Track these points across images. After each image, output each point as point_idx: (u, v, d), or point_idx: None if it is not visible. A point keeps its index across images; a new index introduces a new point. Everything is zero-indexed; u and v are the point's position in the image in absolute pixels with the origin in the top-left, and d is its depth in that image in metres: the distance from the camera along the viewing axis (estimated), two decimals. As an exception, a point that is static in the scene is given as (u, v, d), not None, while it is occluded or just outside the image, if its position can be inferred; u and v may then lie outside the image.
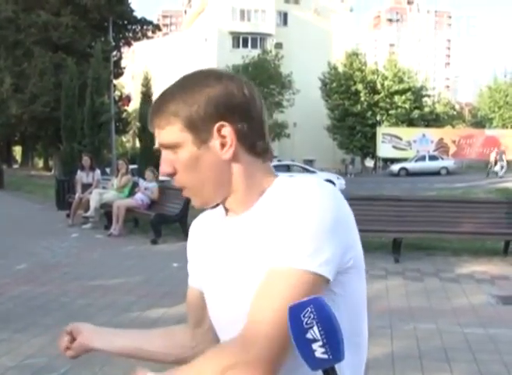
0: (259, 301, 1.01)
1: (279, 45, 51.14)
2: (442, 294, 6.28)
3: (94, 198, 11.03)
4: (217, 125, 1.12)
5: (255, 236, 1.11)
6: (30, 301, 5.73)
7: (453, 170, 37.57)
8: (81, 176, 12.05)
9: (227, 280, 1.16)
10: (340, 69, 48.20)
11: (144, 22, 37.29)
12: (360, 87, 46.77)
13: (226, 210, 1.20)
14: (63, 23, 31.45)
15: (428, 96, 50.02)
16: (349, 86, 46.93)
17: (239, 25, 54.65)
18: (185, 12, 77.47)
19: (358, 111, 46.37)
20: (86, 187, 11.81)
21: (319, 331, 0.77)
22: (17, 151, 56.26)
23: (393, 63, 48.82)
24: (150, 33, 39.56)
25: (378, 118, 46.53)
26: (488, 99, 54.50)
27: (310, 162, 44.04)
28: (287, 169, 26.53)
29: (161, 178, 15.83)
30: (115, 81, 34.97)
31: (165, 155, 1.17)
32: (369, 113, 46.62)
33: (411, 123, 46.57)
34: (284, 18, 56.40)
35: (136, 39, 38.47)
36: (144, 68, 29.28)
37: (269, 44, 51.21)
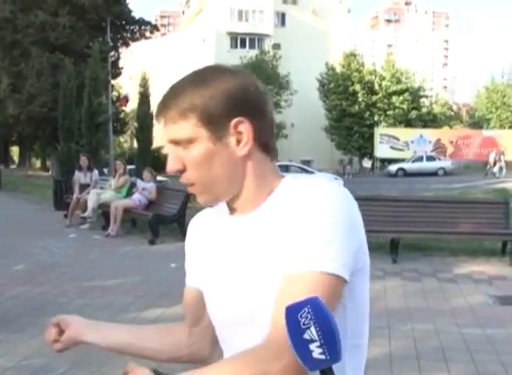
0: (284, 307, 0.99)
1: (276, 46, 51.12)
2: (439, 294, 6.29)
3: (92, 198, 11.01)
4: (234, 121, 1.10)
5: (264, 237, 1.10)
6: (28, 301, 5.73)
7: (450, 171, 37.62)
8: (79, 177, 12.03)
9: (231, 279, 1.14)
10: (338, 69, 48.20)
11: (141, 22, 37.27)
12: (357, 87, 46.78)
13: (232, 209, 1.18)
14: (61, 23, 31.41)
15: (426, 97, 50.05)
16: (347, 86, 46.93)
17: (237, 25, 54.64)
18: (183, 12, 77.46)
19: (356, 111, 46.38)
20: (83, 187, 11.80)
21: (316, 332, 0.77)
22: (14, 151, 56.20)
23: (391, 64, 48.82)
24: (148, 34, 39.53)
25: (375, 118, 46.54)
26: (486, 100, 54.57)
27: (307, 162, 44.03)
28: (285, 169, 26.53)
29: (159, 178, 15.85)
30: (112, 82, 34.96)
31: (175, 151, 1.13)
32: (367, 114, 46.62)
33: (409, 123, 46.59)
34: (282, 18, 56.38)
35: (134, 39, 38.44)
36: (142, 68, 29.23)
37: (267, 45, 51.16)
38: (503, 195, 14.30)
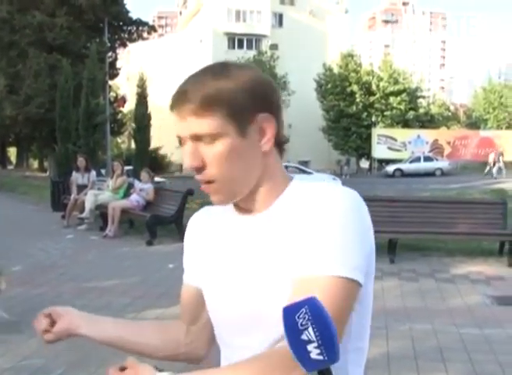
0: None
1: (274, 46, 51.13)
2: (437, 294, 6.30)
3: (89, 199, 11.01)
4: (260, 116, 1.09)
5: (274, 239, 1.08)
6: (26, 302, 5.72)
7: (447, 171, 37.67)
8: (76, 178, 12.03)
9: (236, 280, 1.13)
10: (335, 70, 48.23)
11: (139, 23, 37.21)
12: (355, 88, 46.81)
13: (240, 208, 1.16)
14: (58, 23, 31.35)
15: (423, 97, 50.09)
16: (344, 87, 46.96)
17: (234, 26, 54.64)
18: (180, 13, 77.46)
19: (353, 112, 46.41)
20: (81, 188, 11.79)
21: (314, 332, 0.77)
22: (12, 152, 56.13)
23: (388, 64, 48.87)
24: (145, 35, 39.51)
25: (373, 119, 46.57)
26: (483, 100, 54.65)
27: (305, 163, 44.01)
28: (283, 170, 26.49)
29: (156, 179, 15.83)
30: (110, 82, 34.89)
31: (195, 146, 1.08)
32: (364, 114, 46.66)
33: (406, 124, 46.63)
34: (279, 19, 56.40)
35: (132, 40, 38.37)
36: (140, 69, 29.20)
37: (264, 45, 51.19)
38: (500, 196, 14.32)
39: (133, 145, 32.51)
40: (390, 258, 7.87)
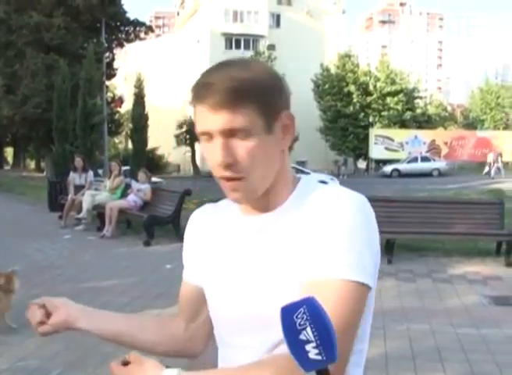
0: None
1: (271, 47, 51.13)
2: (434, 294, 6.30)
3: (87, 199, 11.00)
4: (284, 113, 1.09)
5: (281, 240, 1.08)
6: (23, 303, 5.69)
7: (445, 172, 37.70)
8: (73, 178, 12.01)
9: (241, 280, 1.12)
10: (333, 70, 48.23)
11: (136, 23, 37.22)
12: (352, 88, 46.83)
13: (246, 207, 1.14)
14: (55, 24, 31.33)
15: (420, 98, 50.13)
16: (341, 87, 46.97)
17: (231, 26, 54.62)
18: (177, 13, 77.36)
19: (351, 112, 46.42)
20: (78, 188, 11.78)
21: (312, 332, 0.77)
22: (9, 152, 55.99)
23: (385, 65, 48.89)
24: (142, 35, 39.50)
25: (370, 119, 46.59)
26: (480, 101, 54.77)
27: (302, 163, 43.99)
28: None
29: (153, 179, 15.82)
30: (107, 82, 34.90)
31: (226, 142, 1.04)
32: (361, 115, 46.67)
33: (403, 124, 46.66)
34: (277, 19, 56.39)
35: (129, 40, 38.38)
36: (137, 69, 29.20)
37: (262, 46, 51.16)
38: (497, 196, 14.34)
39: (130, 145, 32.52)
40: (388, 259, 7.86)
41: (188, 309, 1.29)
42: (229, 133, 1.04)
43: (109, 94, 38.15)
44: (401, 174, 37.22)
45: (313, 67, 48.59)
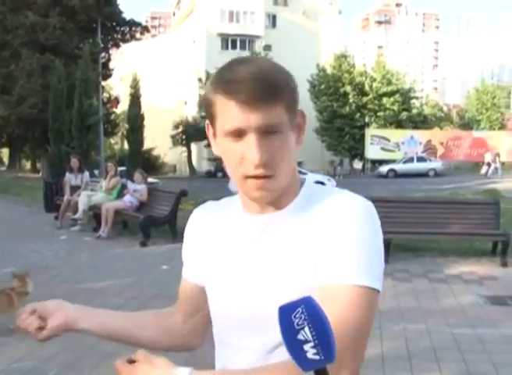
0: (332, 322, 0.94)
1: (267, 47, 51.12)
2: (430, 294, 6.31)
3: (83, 200, 10.98)
4: (300, 110, 1.09)
5: (287, 242, 1.08)
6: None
7: (440, 172, 37.77)
8: (69, 179, 11.99)
9: (242, 279, 1.11)
10: (329, 71, 48.25)
11: (132, 23, 37.15)
12: (348, 88, 46.87)
13: (252, 206, 1.13)
14: (51, 24, 31.28)
15: (416, 98, 50.20)
16: (337, 88, 47.00)
17: (227, 27, 54.63)
18: (173, 13, 77.34)
19: (347, 113, 46.45)
20: (74, 189, 11.76)
21: (310, 332, 0.77)
22: (4, 153, 55.87)
23: (382, 65, 48.95)
24: (138, 35, 39.43)
25: (366, 120, 46.63)
26: (476, 101, 54.89)
27: (298, 163, 43.57)
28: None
29: (150, 179, 15.80)
30: (103, 83, 34.82)
31: (260, 139, 1.02)
32: (357, 115, 46.71)
33: (399, 124, 46.72)
34: (273, 20, 56.45)
35: (125, 41, 38.30)
36: (133, 70, 29.15)
37: (258, 46, 51.13)
38: (493, 196, 14.37)
39: (126, 146, 32.47)
40: (384, 259, 7.87)
41: (187, 306, 1.29)
42: (264, 130, 1.02)
43: (105, 95, 38.08)
44: (397, 174, 37.26)
45: (309, 67, 48.61)
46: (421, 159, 39.43)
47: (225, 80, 1.03)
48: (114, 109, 38.80)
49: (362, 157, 46.89)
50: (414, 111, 48.52)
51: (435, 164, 39.18)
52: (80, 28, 32.59)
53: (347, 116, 46.50)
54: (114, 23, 36.20)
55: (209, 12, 54.08)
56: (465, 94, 62.56)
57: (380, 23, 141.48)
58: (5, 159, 54.25)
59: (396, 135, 44.05)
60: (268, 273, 1.08)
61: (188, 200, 11.58)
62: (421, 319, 5.31)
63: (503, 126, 51.62)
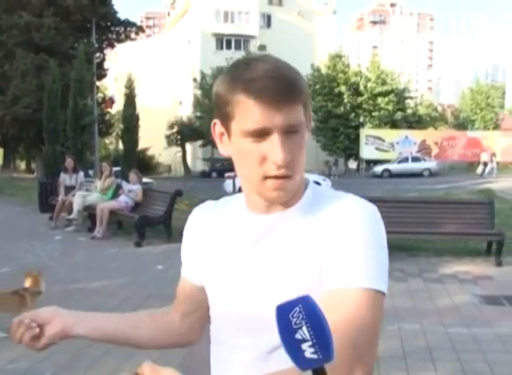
0: (338, 325, 0.93)
1: (262, 47, 51.14)
2: (425, 294, 6.32)
3: (77, 200, 10.96)
4: (309, 109, 1.09)
5: (294, 242, 1.07)
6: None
7: (435, 172, 37.86)
8: (64, 179, 11.97)
9: (243, 280, 1.10)
10: (323, 71, 48.31)
11: (127, 23, 37.07)
12: (343, 89, 46.93)
13: (256, 205, 1.11)
14: (45, 24, 31.17)
15: (411, 98, 50.31)
16: (332, 88, 47.05)
17: (222, 27, 54.63)
18: (168, 13, 77.35)
19: (341, 113, 46.51)
20: (69, 189, 11.73)
21: (308, 331, 0.76)
22: (-2, 153, 55.67)
23: (376, 65, 49.03)
24: (133, 35, 39.34)
25: (361, 120, 46.70)
26: (470, 101, 55.08)
27: (294, 163, 44.06)
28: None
29: (144, 180, 15.78)
30: (98, 83, 34.76)
31: (283, 139, 1.01)
32: (352, 115, 46.77)
33: (394, 124, 46.81)
34: (268, 20, 56.48)
35: (120, 41, 38.22)
36: (127, 70, 29.08)
37: (253, 46, 51.18)
38: (488, 196, 14.41)
39: (120, 146, 32.40)
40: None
41: (185, 304, 1.28)
42: (287, 130, 1.01)
43: (100, 95, 38.02)
44: (392, 174, 37.33)
45: (304, 67, 48.56)
46: (415, 159, 39.53)
47: (245, 79, 1.00)
48: (109, 109, 38.75)
49: (357, 157, 46.95)
50: (409, 111, 48.62)
51: (430, 164, 39.28)
52: (74, 28, 32.50)
53: (342, 116, 46.56)
54: (108, 23, 36.12)
55: (204, 12, 54.07)
56: (460, 94, 62.79)
57: (375, 23, 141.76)
58: (0, 160, 54.09)
59: (390, 135, 44.14)
60: (272, 272, 1.07)
61: (183, 200, 11.57)
62: (416, 318, 5.32)
63: (497, 126, 51.80)
